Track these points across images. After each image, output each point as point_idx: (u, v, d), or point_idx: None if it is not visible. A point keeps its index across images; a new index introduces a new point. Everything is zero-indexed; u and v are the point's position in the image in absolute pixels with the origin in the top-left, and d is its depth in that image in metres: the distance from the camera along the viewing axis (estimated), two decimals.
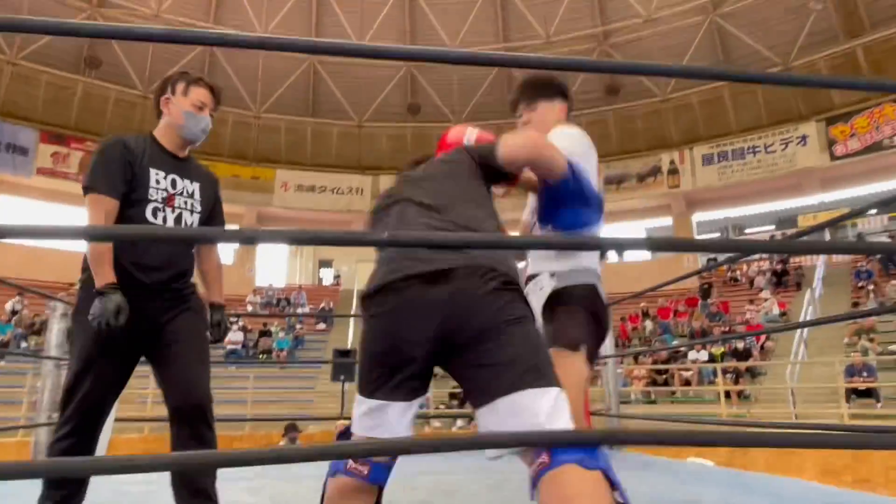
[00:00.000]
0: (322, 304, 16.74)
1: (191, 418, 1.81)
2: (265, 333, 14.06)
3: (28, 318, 12.52)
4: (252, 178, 18.19)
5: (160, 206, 1.88)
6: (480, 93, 19.01)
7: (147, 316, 1.83)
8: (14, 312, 12.63)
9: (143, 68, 17.54)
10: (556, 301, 1.64)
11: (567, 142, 1.65)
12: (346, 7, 18.23)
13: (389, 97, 19.36)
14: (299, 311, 16.00)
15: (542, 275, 1.69)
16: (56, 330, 4.17)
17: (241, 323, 14.04)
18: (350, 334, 14.60)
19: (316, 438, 7.77)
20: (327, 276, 20.57)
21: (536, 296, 1.65)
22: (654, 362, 11.51)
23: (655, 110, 18.35)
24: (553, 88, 1.91)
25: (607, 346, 4.31)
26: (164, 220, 1.89)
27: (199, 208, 1.98)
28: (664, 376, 11.16)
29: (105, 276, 1.76)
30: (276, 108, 18.89)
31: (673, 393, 10.90)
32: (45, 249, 14.73)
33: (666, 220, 18.69)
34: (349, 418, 1.36)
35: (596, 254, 1.79)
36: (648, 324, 13.75)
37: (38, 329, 12.44)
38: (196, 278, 2.06)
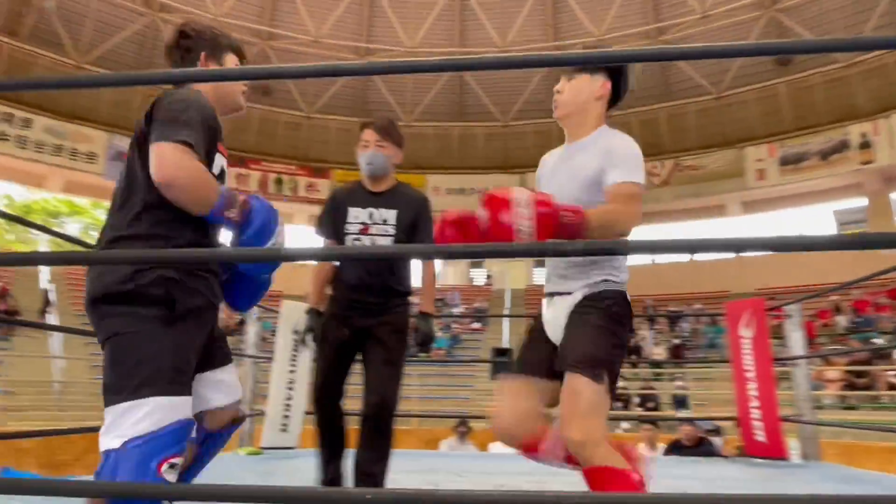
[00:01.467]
0: (476, 304, 17.03)
1: (374, 415, 2.16)
2: (415, 330, 14.56)
3: (223, 321, 14.18)
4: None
5: (357, 236, 2.28)
6: None
7: (351, 324, 2.26)
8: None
9: (306, 91, 19.14)
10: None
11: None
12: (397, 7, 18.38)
13: (535, 91, 19.22)
14: (454, 311, 16.42)
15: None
16: (253, 331, 4.64)
17: None
18: (506, 333, 14.66)
19: (478, 437, 7.89)
20: (479, 276, 20.91)
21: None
22: (852, 363, 10.11)
23: (838, 78, 16.21)
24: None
25: (797, 345, 3.85)
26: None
27: (392, 232, 2.28)
28: (864, 379, 9.77)
29: (311, 299, 2.37)
30: (424, 115, 19.60)
31: (876, 398, 9.50)
32: None
33: (859, 201, 16.54)
34: None
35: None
36: (841, 319, 12.14)
37: (232, 331, 14.06)
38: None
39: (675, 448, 5.23)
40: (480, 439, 9.01)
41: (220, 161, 1.42)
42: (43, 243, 18.74)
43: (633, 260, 18.67)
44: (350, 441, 2.30)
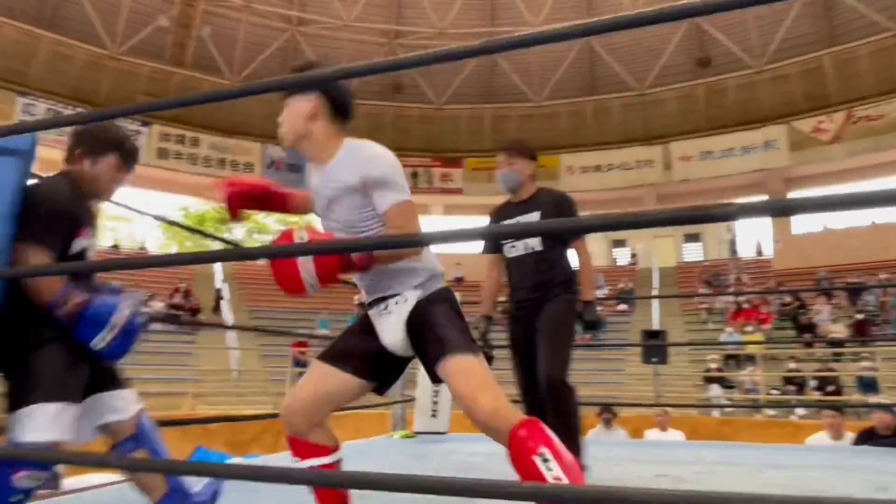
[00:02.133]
0: (620, 285, 16.30)
1: (548, 390, 2.36)
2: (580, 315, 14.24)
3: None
4: (538, 167, 18.59)
5: (512, 243, 2.58)
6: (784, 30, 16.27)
7: (522, 323, 2.53)
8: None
9: (435, 84, 19.47)
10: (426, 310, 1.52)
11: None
12: None
13: (674, 55, 17.89)
14: (598, 293, 15.85)
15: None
16: None
17: None
18: (655, 315, 13.87)
19: (632, 423, 7.52)
20: (622, 255, 20.01)
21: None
22: None
23: None
24: None
25: None
26: (517, 251, 2.56)
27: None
28: None
29: (483, 306, 2.75)
30: (554, 94, 19.06)
31: None
32: None
33: None
34: (664, 405, 1.34)
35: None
36: None
37: None
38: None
39: (868, 437, 4.57)
40: (635, 425, 8.61)
41: (81, 243, 1.58)
42: (215, 247, 21.01)
43: (801, 227, 16.71)
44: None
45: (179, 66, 17.87)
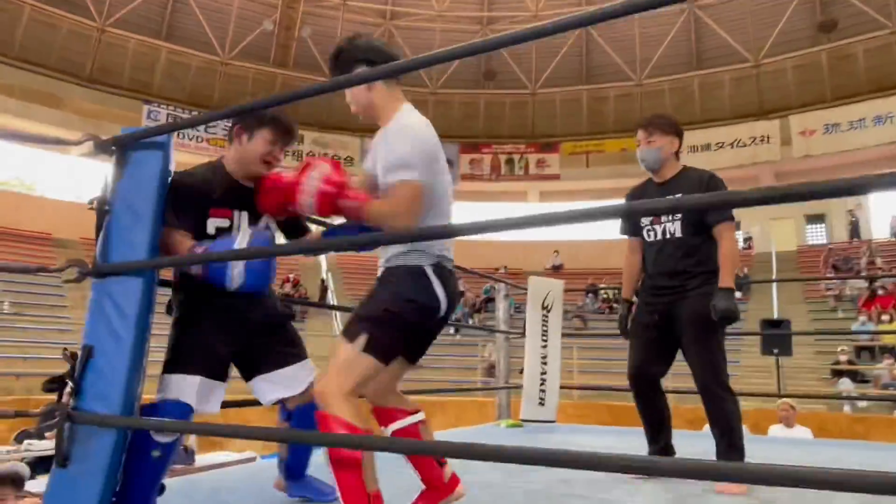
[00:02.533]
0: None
1: (703, 395, 2.25)
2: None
3: (471, 298, 14.98)
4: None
5: (650, 227, 2.43)
6: None
7: (656, 310, 2.38)
8: (461, 293, 15.30)
9: (530, 70, 19.11)
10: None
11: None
12: None
13: (792, 20, 16.41)
14: None
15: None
16: (502, 308, 4.69)
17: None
18: (774, 302, 12.89)
19: (751, 418, 7.01)
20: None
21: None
22: None
23: None
24: None
25: None
26: (654, 235, 2.42)
27: (679, 215, 2.36)
28: None
29: (624, 291, 2.62)
30: (657, 71, 18.12)
31: None
32: (480, 242, 17.29)
33: None
34: (790, 395, 1.33)
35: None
36: None
37: (479, 307, 14.77)
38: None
39: None
40: (754, 420, 8.04)
41: (213, 223, 1.70)
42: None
43: None
44: (669, 418, 2.45)
45: (283, 67, 18.74)
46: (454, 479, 1.71)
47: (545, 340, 4.29)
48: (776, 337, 7.72)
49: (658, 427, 2.43)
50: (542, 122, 19.19)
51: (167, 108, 16.68)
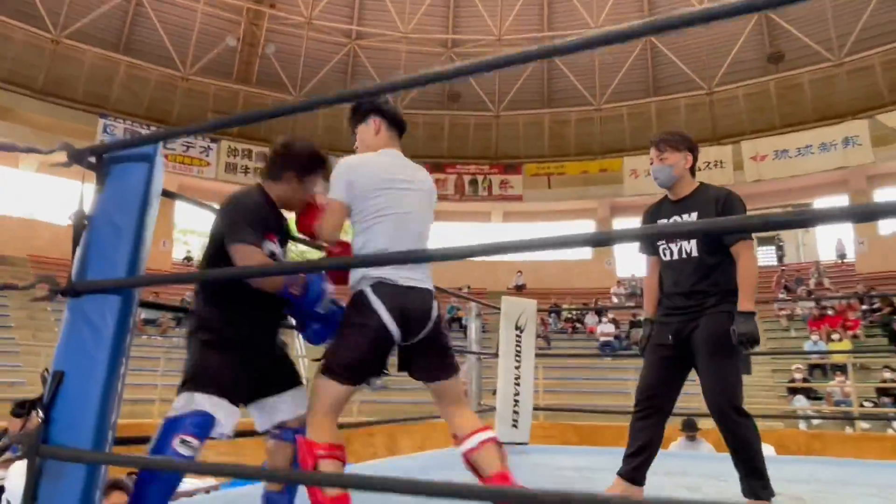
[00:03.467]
0: None
1: (717, 419, 2.19)
2: (636, 324, 13.81)
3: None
4: (600, 171, 18.27)
5: (665, 245, 2.38)
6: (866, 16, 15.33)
7: (670, 330, 2.33)
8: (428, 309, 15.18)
9: (493, 93, 19.40)
10: None
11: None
12: None
13: (743, 51, 17.16)
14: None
15: None
16: (474, 328, 4.65)
17: (610, 315, 14.11)
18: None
19: (713, 436, 7.15)
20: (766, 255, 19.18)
21: None
22: None
23: None
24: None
25: None
26: (671, 254, 2.36)
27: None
28: None
29: (646, 310, 2.54)
30: (615, 96, 18.64)
31: None
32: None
33: None
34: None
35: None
36: None
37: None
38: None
39: None
40: (716, 437, 8.20)
41: (268, 246, 1.77)
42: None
43: (888, 228, 15.59)
44: (655, 446, 2.37)
45: (245, 84, 18.49)
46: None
47: (518, 361, 4.26)
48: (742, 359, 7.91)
49: (642, 447, 2.35)
50: (505, 143, 19.44)
51: (124, 123, 16.21)
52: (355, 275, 1.78)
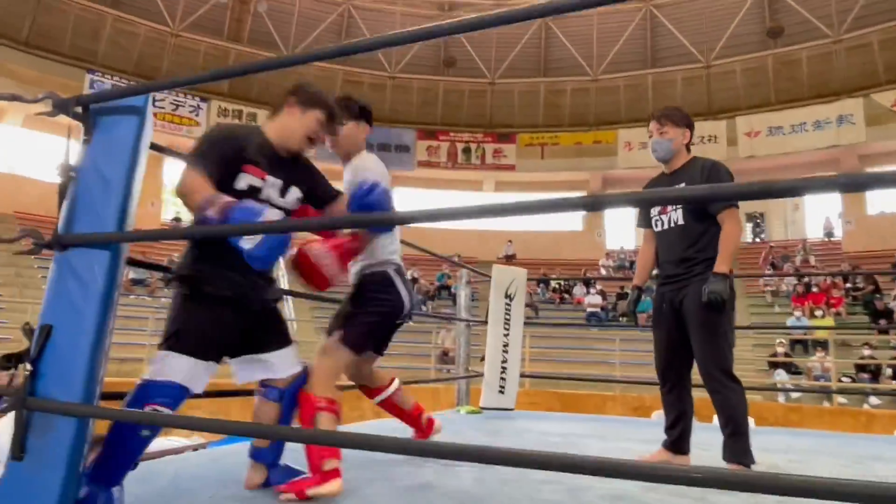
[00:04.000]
0: None
1: (706, 382, 2.29)
2: (622, 296, 13.94)
3: (425, 286, 14.95)
4: (594, 142, 18.17)
5: (657, 217, 2.49)
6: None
7: (667, 299, 2.42)
8: (414, 280, 15.22)
9: (490, 59, 19.10)
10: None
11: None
12: None
13: (742, 24, 16.96)
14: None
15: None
16: (463, 295, 4.67)
17: (598, 287, 14.22)
18: None
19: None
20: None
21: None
22: None
23: None
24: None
25: None
26: (662, 224, 2.47)
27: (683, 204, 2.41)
28: None
29: (636, 278, 2.67)
30: (612, 67, 18.43)
31: None
32: (434, 229, 17.28)
33: None
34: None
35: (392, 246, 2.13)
36: None
37: (433, 295, 14.76)
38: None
39: None
40: (696, 407, 8.36)
41: (246, 179, 1.70)
42: None
43: (875, 207, 15.70)
44: (689, 412, 2.43)
45: (237, 43, 18.08)
46: (430, 421, 2.51)
47: (507, 329, 4.30)
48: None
49: (677, 418, 2.43)
50: (499, 112, 19.24)
51: (112, 79, 15.84)
52: (377, 257, 2.04)
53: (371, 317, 2.00)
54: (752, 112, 16.55)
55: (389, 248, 2.11)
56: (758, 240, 17.85)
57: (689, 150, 2.50)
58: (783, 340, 10.59)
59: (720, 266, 2.26)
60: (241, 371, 1.80)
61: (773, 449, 3.19)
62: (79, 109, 1.42)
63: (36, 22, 15.50)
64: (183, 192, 1.55)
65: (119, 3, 16.73)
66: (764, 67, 16.95)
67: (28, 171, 15.22)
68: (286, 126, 1.78)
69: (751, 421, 5.71)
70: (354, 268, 2.09)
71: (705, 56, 17.50)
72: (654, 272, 2.67)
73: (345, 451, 1.79)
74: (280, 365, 1.80)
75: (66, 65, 15.55)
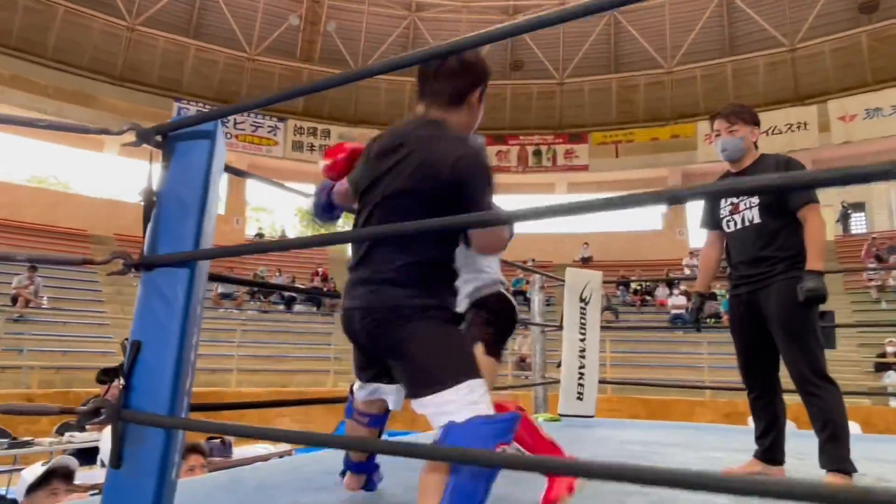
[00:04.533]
0: None
1: (798, 386, 2.17)
2: (710, 297, 13.29)
3: None
4: (672, 137, 17.50)
5: (729, 217, 2.39)
6: None
7: (742, 301, 2.33)
8: None
9: (557, 59, 18.86)
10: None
11: None
12: None
13: (830, 2, 15.87)
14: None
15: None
16: (537, 300, 4.60)
17: (682, 287, 13.65)
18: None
19: (792, 411, 6.83)
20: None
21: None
22: None
23: None
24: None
25: None
26: (735, 224, 2.37)
27: (756, 202, 2.31)
28: None
29: (698, 282, 2.61)
30: (687, 58, 17.71)
31: None
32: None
33: None
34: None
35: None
36: None
37: None
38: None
39: None
40: (795, 413, 7.81)
41: None
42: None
43: None
44: (781, 418, 2.33)
45: (309, 62, 18.79)
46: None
47: (583, 333, 4.19)
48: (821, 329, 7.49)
49: (768, 426, 2.33)
50: (569, 112, 18.92)
51: (196, 105, 16.86)
52: (493, 277, 1.95)
53: (504, 328, 1.93)
54: (845, 95, 15.42)
55: (496, 265, 1.98)
56: (845, 233, 16.54)
57: (756, 147, 2.42)
58: (894, 339, 9.74)
59: (814, 263, 2.15)
60: (397, 394, 1.59)
61: (883, 459, 2.93)
62: (158, 138, 1.50)
63: (127, 58, 16.76)
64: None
65: (200, 33, 17.80)
66: (857, 46, 15.75)
67: (125, 195, 16.45)
68: (471, 122, 1.58)
69: (857, 426, 5.30)
70: (465, 289, 1.87)
71: (789, 38, 16.47)
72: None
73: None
74: (398, 396, 1.62)
75: (154, 94, 16.70)
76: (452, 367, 1.30)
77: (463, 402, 1.26)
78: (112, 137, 16.02)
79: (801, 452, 2.32)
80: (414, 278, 1.38)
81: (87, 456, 3.85)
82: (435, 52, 1.32)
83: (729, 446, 3.09)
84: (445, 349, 1.35)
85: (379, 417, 1.76)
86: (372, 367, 1.58)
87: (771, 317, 2.22)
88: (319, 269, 15.67)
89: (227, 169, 1.79)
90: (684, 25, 17.53)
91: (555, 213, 1.10)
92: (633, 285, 14.34)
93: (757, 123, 2.41)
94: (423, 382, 1.32)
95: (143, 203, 1.49)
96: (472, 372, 1.31)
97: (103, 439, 3.07)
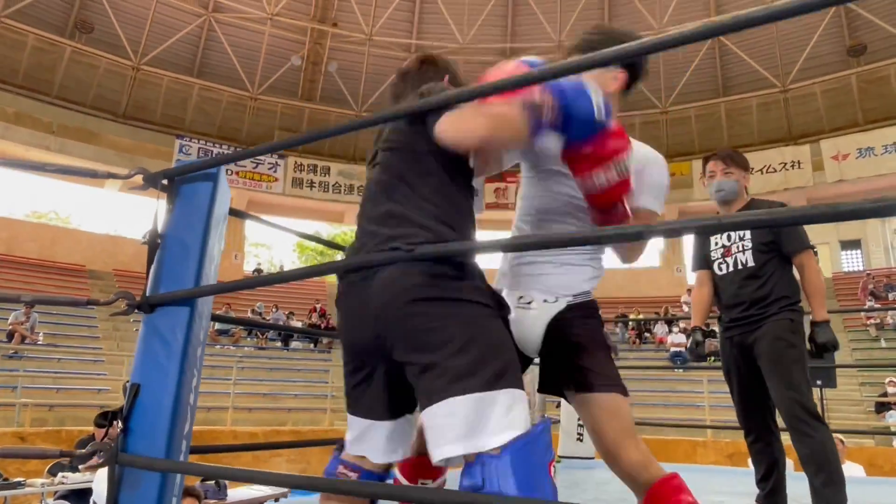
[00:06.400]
0: None
1: (789, 425, 2.14)
2: (709, 334, 13.23)
3: None
4: (669, 174, 17.62)
5: (721, 260, 2.41)
6: None
7: (736, 343, 2.33)
8: None
9: (656, 87, 19.14)
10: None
11: None
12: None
13: (820, 45, 16.27)
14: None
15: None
16: None
17: (682, 325, 13.60)
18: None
19: (793, 453, 6.73)
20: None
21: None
22: None
23: None
24: None
25: None
26: (727, 268, 2.38)
27: (749, 245, 2.33)
28: None
29: (694, 318, 2.54)
30: (682, 98, 18.05)
31: None
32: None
33: None
34: (837, 431, 1.71)
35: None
36: None
37: None
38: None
39: None
40: (794, 455, 7.70)
41: None
42: None
43: None
44: (781, 461, 2.30)
45: (310, 101, 19.10)
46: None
47: None
48: (819, 368, 7.43)
49: (768, 469, 2.31)
50: (676, 139, 18.48)
51: (198, 143, 17.07)
52: (588, 278, 1.57)
53: (610, 353, 1.51)
54: (837, 134, 15.68)
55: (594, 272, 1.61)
56: (850, 269, 16.61)
57: (747, 192, 2.48)
58: (894, 379, 9.68)
59: (819, 314, 2.24)
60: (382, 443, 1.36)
61: (888, 503, 2.89)
62: (165, 181, 1.53)
63: (132, 96, 17.04)
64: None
65: (203, 73, 18.14)
66: (847, 87, 16.09)
67: (126, 231, 16.50)
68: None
69: (859, 468, 5.22)
70: (571, 289, 1.56)
71: (781, 80, 16.84)
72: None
73: None
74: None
75: (157, 132, 16.91)
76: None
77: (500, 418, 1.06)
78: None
79: (802, 494, 2.29)
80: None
81: (80, 497, 3.77)
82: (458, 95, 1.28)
83: (733, 490, 3.05)
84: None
85: (374, 476, 1.33)
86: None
87: (762, 357, 2.23)
88: (317, 305, 15.63)
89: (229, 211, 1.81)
90: (679, 66, 17.91)
91: (537, 246, 1.11)
92: (630, 323, 14.31)
93: (748, 169, 2.47)
94: None
95: (146, 244, 1.51)
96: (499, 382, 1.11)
97: (96, 481, 3.02)
